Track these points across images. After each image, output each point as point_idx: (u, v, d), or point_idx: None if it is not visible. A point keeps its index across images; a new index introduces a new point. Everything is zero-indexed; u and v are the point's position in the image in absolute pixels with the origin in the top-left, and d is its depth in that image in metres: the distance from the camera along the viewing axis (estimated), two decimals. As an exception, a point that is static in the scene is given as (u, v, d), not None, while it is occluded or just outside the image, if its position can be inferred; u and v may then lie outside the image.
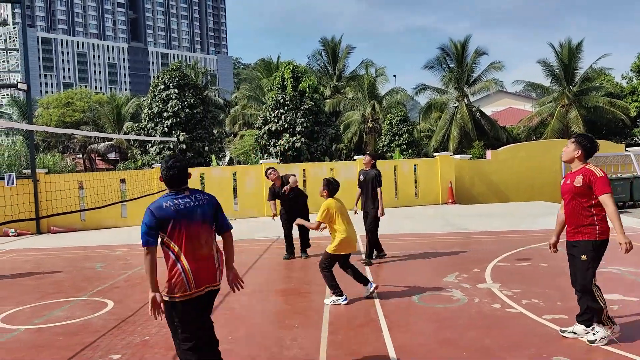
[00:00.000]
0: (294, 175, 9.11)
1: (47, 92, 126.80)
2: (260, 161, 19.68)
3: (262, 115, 27.95)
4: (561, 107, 35.87)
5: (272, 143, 26.98)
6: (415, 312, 5.94)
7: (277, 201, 9.69)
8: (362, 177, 8.97)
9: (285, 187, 9.41)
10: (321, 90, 30.80)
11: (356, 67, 42.94)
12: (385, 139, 34.29)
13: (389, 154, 32.59)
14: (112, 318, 6.14)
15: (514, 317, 5.60)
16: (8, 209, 13.22)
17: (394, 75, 59.36)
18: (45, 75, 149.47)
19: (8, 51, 46.90)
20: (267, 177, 9.63)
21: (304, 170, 18.30)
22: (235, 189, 17.44)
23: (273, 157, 25.69)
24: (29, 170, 15.67)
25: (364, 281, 6.59)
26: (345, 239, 6.33)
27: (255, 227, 14.44)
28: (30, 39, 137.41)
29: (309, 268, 8.61)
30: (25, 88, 15.38)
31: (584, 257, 4.59)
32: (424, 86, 38.74)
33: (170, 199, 3.65)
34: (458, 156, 20.53)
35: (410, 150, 33.26)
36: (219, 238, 3.90)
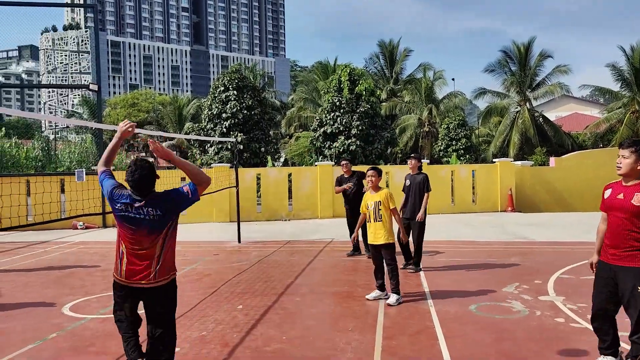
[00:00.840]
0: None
1: (114, 92, 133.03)
2: (315, 163, 19.79)
3: (317, 118, 28.11)
4: (631, 113, 33.96)
5: (327, 145, 27.07)
6: (472, 321, 5.79)
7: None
8: (408, 182, 8.80)
9: (348, 184, 9.65)
10: (377, 93, 30.66)
11: (414, 70, 42.47)
12: (441, 144, 33.68)
13: (445, 159, 31.98)
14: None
15: (580, 332, 5.35)
16: (78, 204, 13.94)
17: (453, 79, 58.34)
18: (114, 77, 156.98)
19: (80, 54, 49.56)
20: (341, 167, 10.09)
21: (358, 173, 18.22)
22: (290, 190, 17.63)
23: (328, 160, 25.78)
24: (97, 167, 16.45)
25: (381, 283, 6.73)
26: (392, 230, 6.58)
27: (309, 229, 14.53)
28: (101, 42, 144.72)
29: (363, 271, 8.57)
30: (97, 89, 16.20)
31: None
32: (483, 90, 37.76)
33: (125, 202, 3.75)
34: (519, 162, 19.84)
35: (467, 156, 32.49)
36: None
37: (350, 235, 9.93)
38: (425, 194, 8.50)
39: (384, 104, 37.33)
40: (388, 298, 6.52)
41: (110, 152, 4.21)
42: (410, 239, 8.55)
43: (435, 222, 15.62)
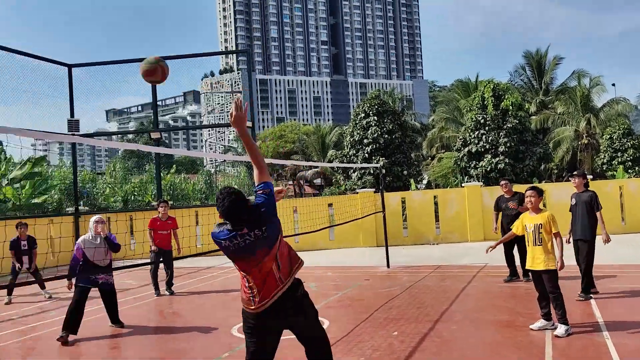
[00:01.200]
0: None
1: (264, 126, 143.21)
2: (462, 184, 19.17)
3: (461, 137, 27.29)
4: None
5: (472, 165, 26.09)
6: (660, 358, 5.09)
7: (500, 214, 9.73)
8: (574, 201, 8.08)
9: (511, 202, 9.45)
10: (526, 107, 28.86)
11: (566, 79, 39.27)
12: (604, 156, 30.43)
13: (610, 173, 28.81)
14: (329, 336, 6.53)
15: None
16: (238, 231, 15.16)
17: (613, 84, 52.52)
18: (262, 112, 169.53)
19: (234, 93, 54.37)
20: (500, 187, 9.93)
21: (510, 192, 17.24)
22: (436, 213, 17.28)
23: (474, 180, 24.81)
24: (252, 197, 17.79)
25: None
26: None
27: (459, 253, 14.05)
28: (252, 83, 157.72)
29: (522, 297, 8.04)
30: (250, 125, 17.64)
31: None
32: (652, 93, 33.51)
33: (224, 234, 3.56)
34: None
35: (636, 168, 28.91)
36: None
37: (507, 259, 9.47)
38: (598, 213, 7.76)
39: (533, 117, 35.01)
40: (555, 328, 6.02)
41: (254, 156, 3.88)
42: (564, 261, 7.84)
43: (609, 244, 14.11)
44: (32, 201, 21.30)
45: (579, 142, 33.88)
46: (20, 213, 19.71)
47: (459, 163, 27.11)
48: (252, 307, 3.69)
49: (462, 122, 33.97)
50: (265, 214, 3.59)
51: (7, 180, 21.16)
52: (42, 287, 10.45)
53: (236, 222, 3.51)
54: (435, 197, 17.54)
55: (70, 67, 17.26)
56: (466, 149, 26.22)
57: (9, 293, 10.43)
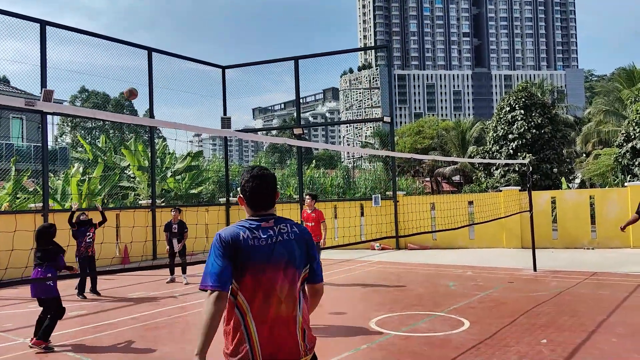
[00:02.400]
0: None
1: (401, 122, 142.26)
2: (625, 184, 17.18)
3: (623, 131, 24.45)
4: None
5: (636, 163, 23.25)
6: None
7: None
8: None
9: None
10: None
11: None
12: None
13: None
14: (470, 337, 6.32)
15: None
16: (375, 227, 15.29)
17: None
18: (400, 108, 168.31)
19: (371, 90, 54.84)
20: None
21: (685, 194, 15.05)
22: (592, 215, 15.70)
23: (638, 179, 22.08)
24: (390, 192, 17.79)
25: None
26: None
27: (619, 260, 12.63)
28: (390, 77, 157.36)
29: (701, 316, 6.99)
30: (389, 121, 17.64)
31: None
32: None
33: (247, 225, 2.56)
34: None
35: None
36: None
37: None
38: None
39: None
40: None
41: None
42: None
43: None
44: (190, 191, 23.63)
45: None
46: (181, 202, 22.01)
47: (620, 160, 24.35)
48: None
49: (624, 114, 30.41)
50: (305, 241, 2.66)
51: (171, 172, 23.73)
52: (184, 271, 11.32)
53: (263, 207, 2.62)
54: (591, 197, 15.95)
55: (224, 68, 18.77)
56: (629, 145, 23.45)
57: (171, 272, 11.63)
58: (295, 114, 19.46)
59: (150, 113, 16.62)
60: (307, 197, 10.16)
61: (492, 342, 6.11)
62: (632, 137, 23.40)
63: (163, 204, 17.91)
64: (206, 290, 2.40)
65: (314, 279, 2.70)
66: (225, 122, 17.33)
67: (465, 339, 6.26)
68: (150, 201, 16.45)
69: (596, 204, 15.60)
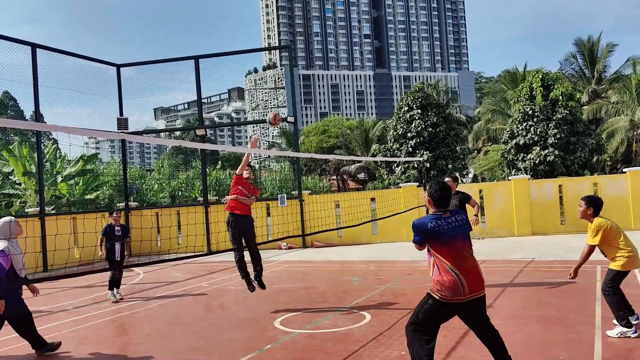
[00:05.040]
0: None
1: (307, 122, 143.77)
2: (509, 177, 18.68)
3: (508, 129, 26.58)
4: None
5: (520, 158, 25.37)
6: None
7: None
8: None
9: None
10: (577, 96, 27.73)
11: (620, 67, 37.44)
12: (663, 147, 28.93)
13: (669, 164, 27.35)
14: (370, 330, 6.54)
15: None
16: (281, 227, 15.35)
17: (673, 70, 49.50)
18: (306, 107, 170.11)
19: (277, 90, 54.97)
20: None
21: (559, 186, 16.69)
22: (482, 208, 16.89)
23: (522, 173, 24.10)
24: (296, 192, 17.95)
25: (627, 309, 5.71)
26: (633, 255, 5.67)
27: (505, 248, 13.71)
28: (294, 78, 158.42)
29: (572, 294, 7.77)
30: (293, 121, 17.77)
31: None
32: None
33: (434, 219, 4.25)
34: None
35: (699, 158, 27.32)
36: None
37: None
38: None
39: (585, 107, 33.61)
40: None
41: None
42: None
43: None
44: (86, 197, 22.22)
45: (635, 133, 32.29)
46: (74, 208, 20.62)
47: (506, 156, 26.43)
48: (459, 295, 4.11)
49: (509, 113, 33.05)
50: (465, 214, 4.54)
51: (62, 177, 22.15)
52: (118, 285, 9.79)
53: (442, 206, 4.35)
54: (480, 191, 17.16)
55: (118, 67, 17.86)
56: (514, 142, 25.52)
57: (117, 286, 9.77)
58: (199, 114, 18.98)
59: (36, 114, 15.41)
60: (247, 170, 8.38)
61: (391, 332, 6.37)
62: (516, 134, 25.48)
63: (53, 212, 16.68)
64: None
65: None
66: (122, 123, 16.51)
67: (366, 332, 6.47)
68: (38, 209, 15.25)
69: (485, 197, 16.82)
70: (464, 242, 4.27)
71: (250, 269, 8.16)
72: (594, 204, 5.84)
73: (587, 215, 5.85)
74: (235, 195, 7.91)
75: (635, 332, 5.55)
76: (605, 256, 5.91)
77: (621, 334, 5.56)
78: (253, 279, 8.11)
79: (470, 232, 4.58)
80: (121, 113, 17.57)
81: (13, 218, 6.38)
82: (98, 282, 10.40)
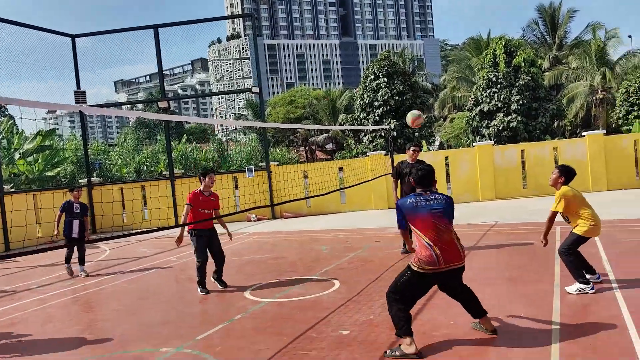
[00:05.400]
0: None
1: (273, 93, 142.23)
2: (474, 144, 18.98)
3: (472, 97, 26.91)
4: None
5: (484, 124, 25.80)
6: (671, 310, 5.08)
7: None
8: None
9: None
10: (539, 63, 28.18)
11: (580, 33, 38.21)
12: (620, 111, 29.82)
13: (625, 128, 28.30)
14: (339, 297, 6.64)
15: None
16: (250, 197, 15.29)
17: (629, 36, 50.60)
18: (272, 78, 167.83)
19: (242, 60, 53.99)
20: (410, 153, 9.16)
21: (522, 151, 17.08)
22: (447, 174, 17.18)
23: (486, 139, 24.54)
24: (264, 163, 17.84)
25: (588, 269, 6.05)
26: (595, 224, 5.91)
27: (469, 213, 14.02)
28: (259, 48, 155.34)
29: (534, 254, 8.04)
30: (258, 91, 17.51)
31: None
32: (671, 44, 32.44)
33: (414, 197, 4.69)
34: None
35: (654, 122, 28.30)
36: None
37: None
38: None
39: (546, 73, 34.25)
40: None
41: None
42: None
43: (619, 199, 14.00)
44: (46, 174, 21.57)
45: (594, 97, 33.18)
46: (34, 186, 20.01)
47: (470, 123, 26.82)
48: (433, 266, 4.51)
49: (474, 81, 33.38)
50: (450, 204, 4.75)
51: (20, 154, 21.40)
52: (82, 262, 9.70)
53: (423, 187, 4.76)
54: (446, 158, 17.40)
55: (73, 37, 17.16)
56: (478, 109, 25.89)
57: (82, 263, 9.71)
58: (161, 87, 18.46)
59: (-12, 88, 14.72)
60: (209, 175, 7.73)
61: (359, 298, 6.48)
62: (480, 101, 25.82)
63: (12, 190, 16.14)
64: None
65: None
66: (80, 96, 15.95)
67: (335, 298, 6.56)
68: (-4, 187, 14.72)
69: (450, 163, 17.09)
70: (442, 218, 4.59)
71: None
72: (566, 174, 6.02)
73: (557, 184, 6.03)
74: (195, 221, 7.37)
75: (592, 288, 5.80)
76: (569, 222, 6.11)
77: (579, 291, 5.80)
78: (212, 279, 7.76)
79: None
80: (78, 86, 16.95)
81: None
82: (63, 260, 10.19)
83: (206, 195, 7.64)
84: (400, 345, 4.55)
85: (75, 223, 9.63)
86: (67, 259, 9.74)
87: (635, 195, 14.31)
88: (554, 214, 5.99)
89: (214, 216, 7.61)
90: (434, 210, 4.58)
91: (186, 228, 7.42)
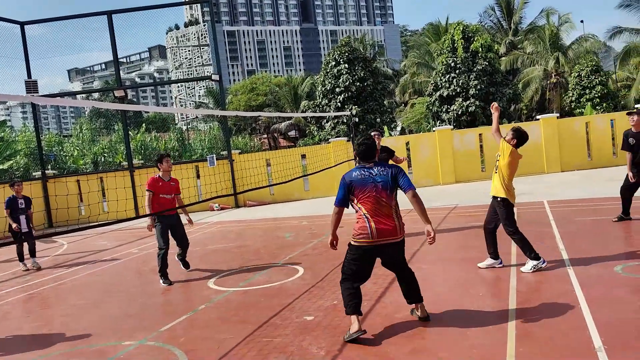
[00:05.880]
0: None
1: (234, 80, 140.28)
2: (433, 129, 19.29)
3: (432, 82, 27.29)
4: None
5: (444, 109, 26.25)
6: (618, 283, 5.35)
7: None
8: (632, 140, 8.10)
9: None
10: (495, 48, 28.81)
11: (535, 18, 39.17)
12: (573, 94, 30.87)
13: (578, 111, 29.33)
14: (303, 283, 6.69)
15: None
16: (212, 187, 15.11)
17: (581, 21, 52.08)
18: (232, 65, 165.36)
19: (201, 47, 53.05)
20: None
21: (480, 135, 17.47)
22: (409, 159, 17.42)
23: (446, 124, 24.99)
24: (226, 152, 17.65)
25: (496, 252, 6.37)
26: (513, 191, 6.19)
27: (431, 196, 14.29)
28: (218, 34, 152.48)
29: (491, 236, 8.29)
30: (218, 79, 17.25)
31: None
32: (619, 29, 33.70)
33: (358, 169, 4.65)
34: (668, 106, 17.55)
35: (604, 104, 29.45)
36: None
37: None
38: None
39: (503, 58, 35.05)
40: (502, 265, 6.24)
41: None
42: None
43: (572, 180, 14.53)
44: (-2, 167, 20.76)
45: (548, 82, 34.20)
46: (-14, 180, 19.20)
47: (430, 108, 27.23)
48: (366, 239, 4.55)
49: (433, 66, 33.82)
50: (394, 168, 4.70)
51: (-31, 147, 20.49)
52: (33, 254, 9.64)
53: (365, 159, 4.70)
54: (407, 143, 17.64)
55: (22, 24, 16.45)
56: (437, 94, 26.29)
57: (21, 259, 9.65)
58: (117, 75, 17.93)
59: None
60: (165, 160, 7.73)
61: (323, 284, 6.54)
62: (440, 86, 26.23)
63: (-38, 185, 15.44)
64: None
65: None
66: (31, 86, 15.34)
67: (300, 284, 6.60)
68: (-57, 182, 14.07)
69: (411, 148, 17.33)
70: (383, 191, 4.55)
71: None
72: (519, 137, 6.10)
73: (509, 143, 6.12)
74: (158, 211, 7.34)
75: (543, 262, 6.04)
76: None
77: (534, 268, 6.02)
78: (177, 258, 7.98)
79: None
80: (29, 75, 16.30)
81: None
82: (16, 256, 9.87)
83: (166, 180, 7.59)
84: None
85: (22, 218, 9.55)
86: (20, 256, 9.65)
87: (586, 176, 14.89)
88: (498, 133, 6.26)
89: (176, 202, 7.64)
90: (376, 183, 4.54)
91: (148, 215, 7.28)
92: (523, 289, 5.48)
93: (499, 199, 6.15)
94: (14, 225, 9.42)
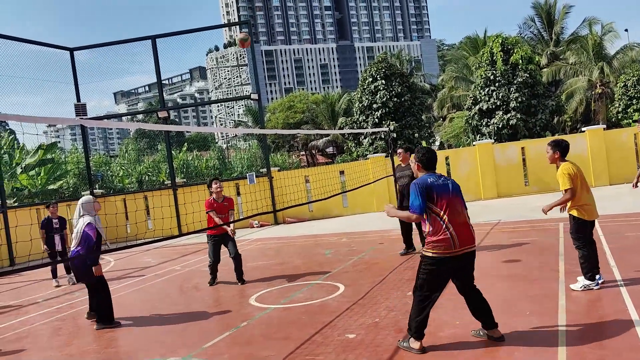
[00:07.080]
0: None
1: (272, 98, 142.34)
2: (474, 143, 18.99)
3: (471, 95, 26.92)
4: None
5: (484, 123, 25.79)
6: (676, 303, 5.08)
7: None
8: None
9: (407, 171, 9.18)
10: (536, 59, 28.19)
11: (577, 28, 38.20)
12: (619, 105, 29.84)
13: (625, 121, 28.30)
14: (344, 300, 6.65)
15: None
16: (252, 204, 15.30)
17: (626, 30, 50.51)
18: (270, 84, 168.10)
19: (240, 67, 54.24)
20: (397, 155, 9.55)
21: (522, 148, 17.08)
22: (449, 174, 17.19)
23: (486, 138, 24.55)
24: (265, 170, 17.87)
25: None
26: (590, 205, 5.82)
27: (473, 212, 13.99)
28: (256, 54, 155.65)
29: (537, 252, 8.04)
30: (257, 98, 17.56)
31: None
32: (667, 36, 32.43)
33: (430, 176, 4.59)
34: None
35: (653, 114, 28.29)
36: None
37: None
38: None
39: (544, 70, 34.28)
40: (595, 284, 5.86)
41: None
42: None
43: (621, 193, 13.98)
44: (49, 187, 21.63)
45: (593, 92, 33.19)
46: (37, 200, 20.06)
47: (470, 122, 26.81)
48: (450, 249, 4.43)
49: (471, 80, 33.42)
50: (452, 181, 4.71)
51: (22, 168, 21.46)
52: (69, 271, 10.25)
53: (432, 168, 4.68)
54: (447, 157, 17.42)
55: (72, 50, 17.24)
56: (477, 107, 25.89)
57: (54, 276, 10.34)
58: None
59: (-12, 104, 14.79)
60: (214, 182, 8.50)
61: (364, 301, 6.49)
62: (479, 100, 25.83)
63: (15, 204, 16.19)
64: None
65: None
66: (80, 109, 16.01)
67: (341, 302, 6.57)
68: (-1, 202, 14.78)
69: (451, 163, 17.10)
70: (457, 197, 4.58)
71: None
72: (560, 148, 5.89)
73: (555, 160, 5.93)
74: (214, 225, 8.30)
75: (597, 284, 5.79)
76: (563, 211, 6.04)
77: (584, 287, 5.79)
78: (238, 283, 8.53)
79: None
80: (78, 99, 17.03)
81: (92, 197, 7.07)
82: (65, 274, 10.24)
83: (219, 201, 8.45)
84: (410, 338, 4.64)
85: (56, 238, 10.14)
86: (53, 273, 10.41)
87: (636, 189, 14.30)
88: (568, 191, 5.78)
89: (229, 218, 8.50)
90: (451, 190, 4.52)
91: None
92: (572, 308, 5.29)
93: (569, 215, 5.98)
94: (43, 247, 10.00)
